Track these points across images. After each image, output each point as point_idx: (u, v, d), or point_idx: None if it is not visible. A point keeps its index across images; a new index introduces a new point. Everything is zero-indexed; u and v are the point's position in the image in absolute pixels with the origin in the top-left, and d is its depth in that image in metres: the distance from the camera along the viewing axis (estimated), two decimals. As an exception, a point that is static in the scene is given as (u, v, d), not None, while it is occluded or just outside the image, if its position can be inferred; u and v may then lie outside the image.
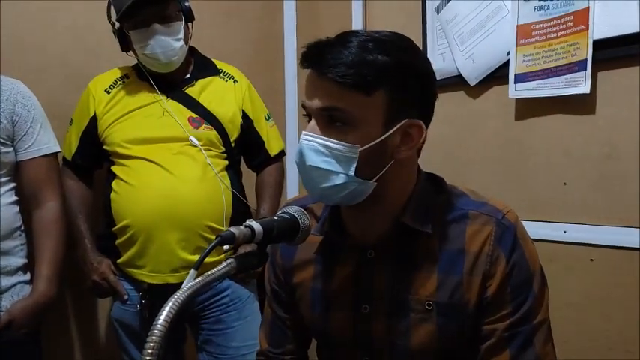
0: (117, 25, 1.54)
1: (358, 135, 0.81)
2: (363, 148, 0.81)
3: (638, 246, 1.26)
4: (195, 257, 1.46)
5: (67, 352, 1.81)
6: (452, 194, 0.92)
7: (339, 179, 0.81)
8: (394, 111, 0.82)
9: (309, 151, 0.82)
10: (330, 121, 0.82)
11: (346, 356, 0.96)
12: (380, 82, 0.80)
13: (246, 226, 0.73)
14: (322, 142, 0.81)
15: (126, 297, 1.55)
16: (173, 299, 0.59)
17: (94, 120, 1.56)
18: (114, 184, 1.53)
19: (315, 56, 0.81)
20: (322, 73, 0.80)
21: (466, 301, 0.86)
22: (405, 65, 0.82)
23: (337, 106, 0.80)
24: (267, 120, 1.72)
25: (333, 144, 0.81)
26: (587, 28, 1.27)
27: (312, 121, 0.83)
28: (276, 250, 1.02)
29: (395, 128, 0.82)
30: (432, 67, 0.87)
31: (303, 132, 0.83)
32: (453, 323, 0.86)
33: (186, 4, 1.53)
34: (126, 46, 1.55)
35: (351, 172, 0.81)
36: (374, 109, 0.81)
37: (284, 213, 0.82)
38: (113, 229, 1.51)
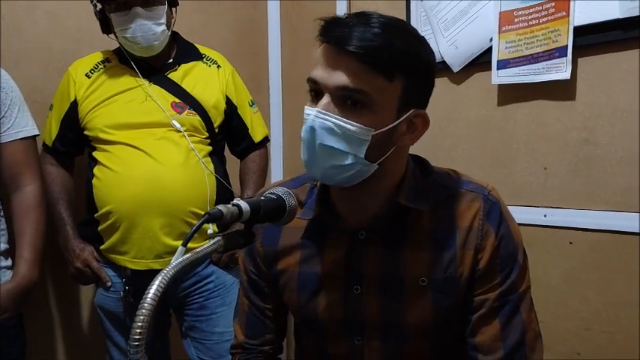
0: (98, 6, 1.51)
1: (373, 119, 0.80)
2: (376, 132, 0.81)
3: (616, 229, 1.29)
4: (179, 243, 1.44)
5: (50, 338, 1.80)
6: (438, 174, 0.94)
7: (349, 160, 0.81)
8: (406, 99, 0.82)
9: (322, 129, 0.80)
10: (344, 101, 0.80)
11: (334, 339, 0.96)
12: (401, 69, 0.80)
13: (233, 205, 0.73)
14: (337, 121, 0.79)
15: (109, 284, 1.54)
16: (162, 275, 0.59)
17: (74, 105, 1.54)
18: (95, 170, 1.51)
19: (338, 31, 0.78)
20: (346, 50, 0.77)
21: (459, 275, 0.88)
22: (422, 55, 0.83)
23: (362, 88, 0.78)
24: (251, 106, 1.71)
25: (349, 125, 0.79)
26: (568, 15, 1.29)
27: (326, 98, 0.80)
28: (257, 238, 0.99)
29: (405, 116, 0.83)
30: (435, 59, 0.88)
31: (316, 109, 0.80)
32: (447, 298, 0.89)
33: (170, -13, 1.52)
34: (107, 28, 1.53)
35: (361, 154, 0.81)
36: (392, 95, 0.81)
37: (271, 193, 0.82)
38: (95, 215, 1.49)
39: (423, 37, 0.87)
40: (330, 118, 0.80)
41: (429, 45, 0.86)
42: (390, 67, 0.79)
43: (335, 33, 0.79)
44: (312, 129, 0.80)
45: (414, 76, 0.82)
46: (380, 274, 0.90)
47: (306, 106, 0.84)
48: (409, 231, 0.89)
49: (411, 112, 0.84)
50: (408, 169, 0.91)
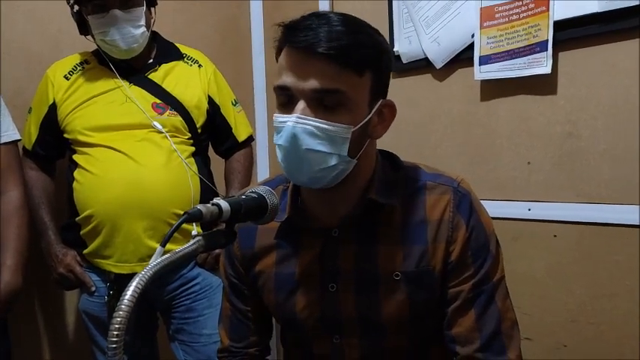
0: (75, 7, 1.48)
1: (351, 115, 0.81)
2: (355, 129, 0.82)
3: (600, 221, 1.29)
4: (164, 246, 1.44)
5: (36, 344, 1.77)
6: (408, 169, 0.95)
7: (333, 160, 0.82)
8: (375, 91, 0.84)
9: (305, 134, 0.80)
10: (319, 102, 0.80)
11: (314, 338, 0.96)
12: (369, 63, 0.82)
13: (213, 204, 0.72)
14: (317, 124, 0.80)
15: (93, 289, 1.51)
16: (139, 276, 0.58)
17: (53, 107, 1.52)
18: (76, 174, 1.48)
19: (303, 35, 0.79)
20: (316, 52, 0.78)
21: (432, 267, 0.88)
22: (384, 47, 0.86)
23: (338, 87, 0.79)
24: (234, 105, 1.70)
25: (329, 125, 0.80)
26: (548, 9, 1.30)
27: (302, 103, 0.80)
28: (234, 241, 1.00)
29: (375, 108, 0.85)
30: None
31: (295, 115, 0.80)
32: (422, 291, 0.89)
33: (148, -13, 1.50)
34: (85, 29, 1.50)
35: (344, 152, 0.82)
36: (363, 89, 0.82)
37: (252, 192, 0.81)
38: (77, 219, 1.47)
39: (376, 29, 0.88)
40: (311, 122, 0.80)
41: (383, 36, 0.89)
42: (360, 62, 0.80)
43: (300, 37, 0.79)
44: (294, 135, 0.80)
45: (379, 68, 0.84)
46: (354, 270, 0.90)
47: (277, 114, 0.84)
48: (381, 226, 0.90)
49: (379, 102, 0.86)
50: (377, 165, 0.92)
